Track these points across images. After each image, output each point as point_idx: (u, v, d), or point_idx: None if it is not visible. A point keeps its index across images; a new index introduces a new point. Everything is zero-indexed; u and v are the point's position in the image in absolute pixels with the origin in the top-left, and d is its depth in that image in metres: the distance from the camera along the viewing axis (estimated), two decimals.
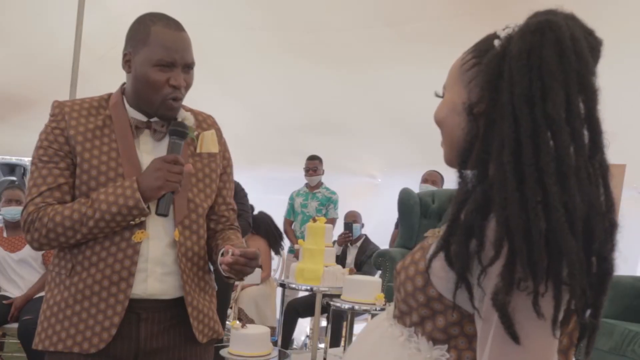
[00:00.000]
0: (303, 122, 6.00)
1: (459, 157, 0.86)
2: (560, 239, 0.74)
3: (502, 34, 0.84)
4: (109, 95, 1.47)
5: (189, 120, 1.46)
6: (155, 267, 1.39)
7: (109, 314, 1.36)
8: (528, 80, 0.77)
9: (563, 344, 0.87)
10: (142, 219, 1.37)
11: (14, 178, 9.17)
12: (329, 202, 5.21)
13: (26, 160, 10.50)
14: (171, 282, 1.41)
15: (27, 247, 3.56)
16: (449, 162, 0.91)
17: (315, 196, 5.26)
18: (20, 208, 3.61)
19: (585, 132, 0.78)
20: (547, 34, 0.78)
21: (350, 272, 4.02)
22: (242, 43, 5.01)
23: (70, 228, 1.33)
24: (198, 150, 1.48)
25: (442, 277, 0.85)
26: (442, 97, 0.94)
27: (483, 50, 0.87)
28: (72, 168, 1.38)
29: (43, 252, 3.58)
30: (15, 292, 3.50)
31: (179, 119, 1.44)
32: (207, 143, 1.49)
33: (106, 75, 5.55)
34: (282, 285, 3.96)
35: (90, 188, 1.37)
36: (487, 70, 0.83)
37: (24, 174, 9.78)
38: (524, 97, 0.77)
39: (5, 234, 3.62)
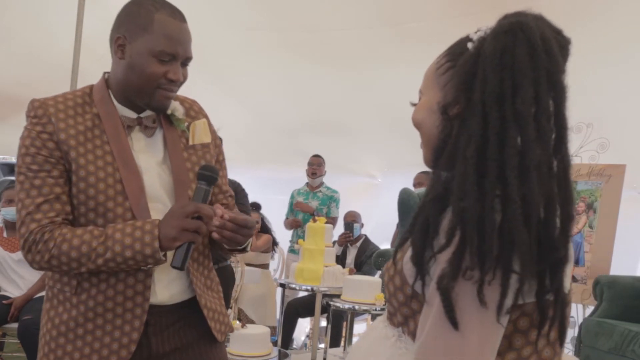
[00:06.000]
0: (303, 122, 6.00)
1: (432, 155, 0.89)
2: (514, 231, 0.76)
3: (475, 37, 0.87)
4: (90, 88, 1.35)
5: (179, 111, 1.37)
6: (161, 275, 1.33)
7: (127, 329, 1.28)
8: (500, 78, 0.80)
9: (545, 355, 0.88)
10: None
11: (13, 178, 9.18)
12: (330, 201, 5.20)
13: None
14: (177, 287, 1.36)
15: None
16: (427, 162, 0.93)
17: (315, 195, 5.25)
18: None
19: (553, 128, 0.81)
20: (519, 34, 0.81)
21: (350, 272, 4.03)
22: (241, 43, 5.00)
23: (75, 260, 1.23)
24: (191, 142, 1.39)
25: (411, 274, 0.87)
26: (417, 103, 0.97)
27: (457, 53, 0.89)
28: (66, 175, 1.27)
29: None
30: (15, 292, 3.50)
31: (169, 111, 1.36)
32: (200, 133, 1.41)
33: None
34: (282, 285, 3.96)
35: (89, 197, 1.27)
36: (461, 72, 0.85)
37: None
38: (494, 95, 0.80)
39: (5, 234, 3.61)
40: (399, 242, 0.90)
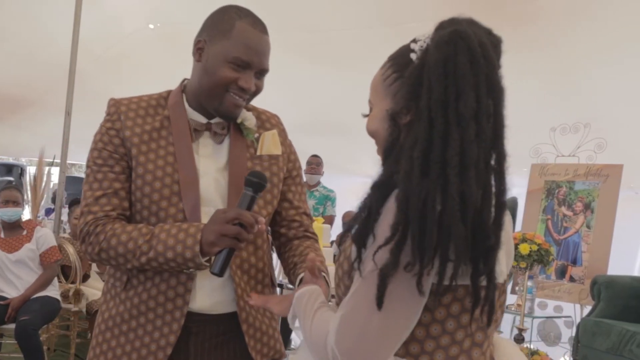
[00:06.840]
0: (303, 122, 6.00)
1: (382, 154, 0.97)
2: (451, 225, 0.83)
3: (416, 47, 0.94)
4: (168, 93, 1.39)
5: (250, 122, 1.37)
6: (204, 281, 1.30)
7: (165, 331, 1.28)
8: (444, 86, 0.87)
9: (478, 338, 0.94)
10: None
11: (11, 178, 9.16)
12: (326, 200, 5.22)
13: (23, 160, 10.48)
14: (220, 297, 1.32)
15: (25, 248, 3.55)
16: None
17: (312, 194, 5.26)
18: (17, 209, 3.61)
19: (492, 127, 0.88)
20: (459, 42, 0.88)
21: None
22: None
23: (122, 255, 1.25)
24: (258, 152, 1.37)
25: (355, 255, 0.92)
26: (368, 114, 1.04)
27: (402, 64, 0.96)
28: (128, 172, 1.30)
29: (40, 253, 3.57)
30: (12, 292, 3.50)
31: (239, 120, 1.35)
32: (268, 144, 1.39)
33: (103, 76, 5.55)
34: (280, 286, 3.95)
35: (144, 194, 1.28)
36: (408, 82, 0.92)
37: (21, 174, 9.77)
38: (440, 102, 0.86)
39: (2, 235, 3.60)
40: (346, 229, 0.95)
